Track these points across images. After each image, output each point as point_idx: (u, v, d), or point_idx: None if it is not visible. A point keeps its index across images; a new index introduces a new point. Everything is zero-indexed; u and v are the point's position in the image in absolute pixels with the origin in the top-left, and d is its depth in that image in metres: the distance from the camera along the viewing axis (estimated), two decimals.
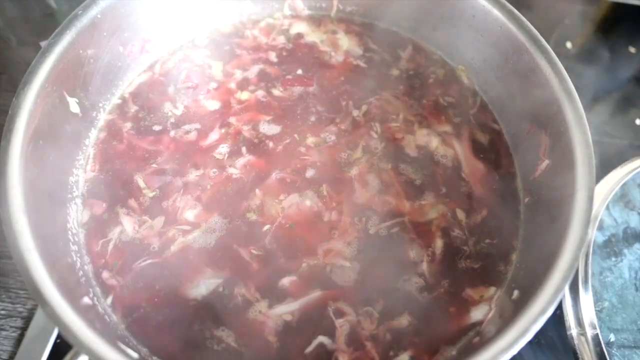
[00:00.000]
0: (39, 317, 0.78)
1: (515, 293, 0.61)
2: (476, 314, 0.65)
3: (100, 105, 0.78)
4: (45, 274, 0.52)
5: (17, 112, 0.60)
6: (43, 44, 0.65)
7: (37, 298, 0.50)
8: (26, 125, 0.60)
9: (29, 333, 0.76)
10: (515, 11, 0.74)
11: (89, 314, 0.56)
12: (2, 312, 0.79)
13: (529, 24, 0.73)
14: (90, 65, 0.72)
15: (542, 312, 0.50)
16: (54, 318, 0.49)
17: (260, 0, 0.90)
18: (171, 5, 0.81)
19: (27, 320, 0.78)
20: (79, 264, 0.65)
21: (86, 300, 0.59)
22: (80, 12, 0.68)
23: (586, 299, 0.71)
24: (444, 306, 0.65)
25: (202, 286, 0.65)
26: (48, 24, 0.97)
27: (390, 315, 0.64)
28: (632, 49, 1.19)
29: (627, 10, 1.24)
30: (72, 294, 0.54)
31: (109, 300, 0.64)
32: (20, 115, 0.60)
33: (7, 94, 0.97)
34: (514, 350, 0.48)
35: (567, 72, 0.68)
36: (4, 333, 0.77)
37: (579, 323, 0.70)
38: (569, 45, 1.19)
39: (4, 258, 0.83)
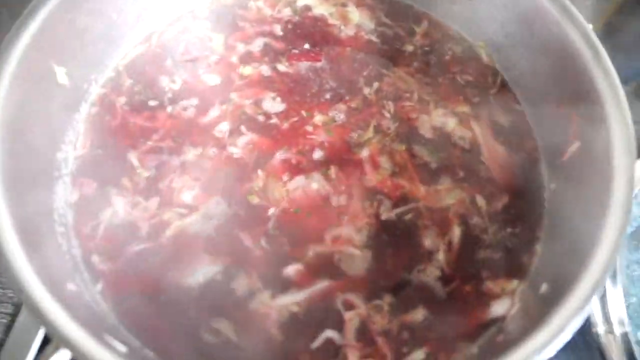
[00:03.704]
0: None
1: (544, 286, 0.57)
2: (497, 308, 0.60)
3: (92, 77, 0.72)
4: (24, 258, 0.47)
5: None
6: None
7: (13, 285, 0.45)
8: (6, 96, 0.55)
9: (20, 319, 0.73)
10: None
11: (74, 302, 0.51)
12: None
13: None
14: (80, 33, 0.67)
15: (579, 308, 0.45)
16: (32, 307, 0.44)
17: None
18: None
19: (18, 306, 0.75)
20: (65, 247, 0.60)
21: (71, 286, 0.55)
22: None
23: (614, 294, 0.66)
24: (462, 299, 0.61)
25: (199, 274, 0.61)
26: None
27: (403, 309, 0.60)
28: None
29: None
30: (55, 280, 0.50)
31: (99, 286, 0.60)
32: (1, 86, 0.55)
33: None
34: (549, 353, 0.43)
35: None
36: None
37: (607, 320, 0.65)
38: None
39: None
